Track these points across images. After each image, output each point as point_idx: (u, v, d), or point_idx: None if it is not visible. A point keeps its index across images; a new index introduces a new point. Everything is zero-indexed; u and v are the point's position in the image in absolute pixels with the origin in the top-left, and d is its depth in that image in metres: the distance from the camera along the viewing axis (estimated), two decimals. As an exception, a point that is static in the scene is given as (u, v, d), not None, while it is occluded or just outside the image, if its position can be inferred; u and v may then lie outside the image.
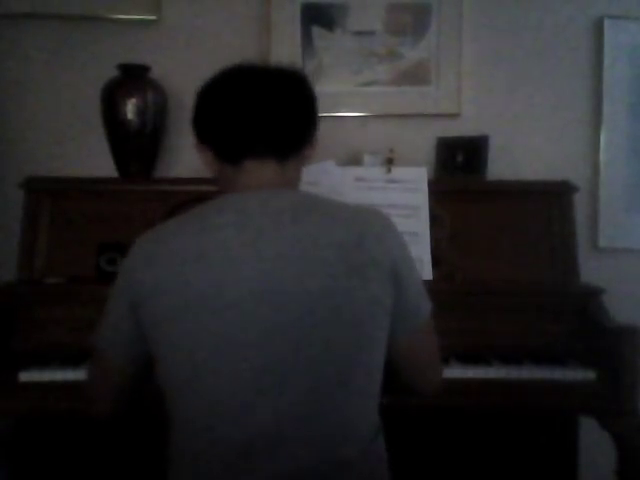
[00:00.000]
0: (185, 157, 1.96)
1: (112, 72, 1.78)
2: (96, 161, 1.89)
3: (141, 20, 1.93)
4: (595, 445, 1.69)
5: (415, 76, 1.98)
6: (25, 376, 1.44)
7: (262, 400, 0.93)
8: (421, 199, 1.65)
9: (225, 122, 1.07)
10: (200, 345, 0.94)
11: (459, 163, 1.88)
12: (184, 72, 1.95)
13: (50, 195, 1.71)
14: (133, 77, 1.79)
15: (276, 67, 1.11)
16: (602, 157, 1.98)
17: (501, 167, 1.93)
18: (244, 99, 1.06)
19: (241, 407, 0.93)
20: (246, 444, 0.93)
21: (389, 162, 1.71)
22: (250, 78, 1.08)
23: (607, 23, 1.96)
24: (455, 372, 1.48)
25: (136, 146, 1.80)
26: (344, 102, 1.95)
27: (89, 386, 1.15)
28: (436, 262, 1.63)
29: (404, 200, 1.66)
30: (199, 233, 0.98)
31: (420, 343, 1.11)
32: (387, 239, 1.02)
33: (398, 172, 1.68)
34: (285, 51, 1.90)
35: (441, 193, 1.68)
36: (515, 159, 1.98)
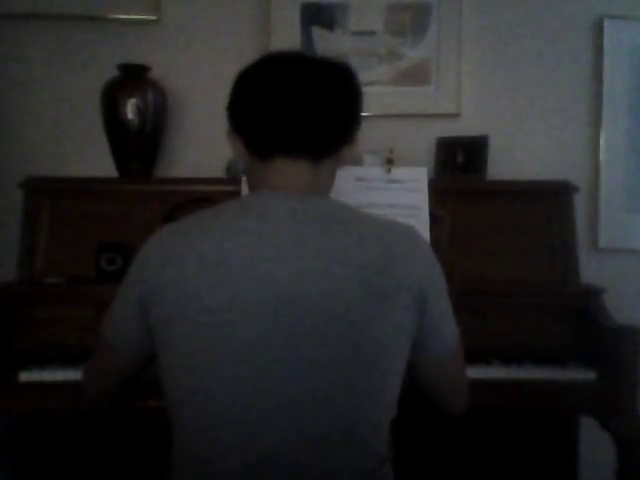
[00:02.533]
0: (185, 157, 1.97)
1: (112, 72, 1.78)
2: (96, 161, 1.89)
3: (141, 20, 1.93)
4: (595, 445, 1.69)
5: (415, 76, 1.98)
6: (25, 376, 1.44)
7: (262, 424, 0.90)
8: (421, 199, 1.65)
9: (258, 112, 1.00)
10: (205, 353, 0.91)
11: (459, 163, 1.88)
12: (184, 72, 1.95)
13: (50, 195, 1.71)
14: (133, 77, 1.79)
15: (320, 58, 1.04)
16: (602, 157, 1.98)
17: (501, 167, 1.93)
18: (280, 89, 0.99)
19: (242, 428, 0.90)
20: (244, 469, 0.91)
21: (389, 162, 1.70)
22: (291, 67, 1.01)
23: (607, 23, 1.96)
24: (455, 372, 1.48)
25: (136, 146, 1.80)
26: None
27: (88, 375, 1.11)
28: (436, 262, 1.62)
29: (404, 200, 1.65)
30: (221, 237, 0.93)
31: (442, 370, 1.08)
32: (417, 263, 0.97)
33: (398, 172, 1.67)
34: (285, 51, 1.90)
35: (441, 193, 1.68)
36: (515, 159, 1.98)
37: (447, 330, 1.05)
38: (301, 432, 0.91)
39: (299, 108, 0.99)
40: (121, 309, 1.02)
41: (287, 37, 1.93)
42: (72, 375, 1.42)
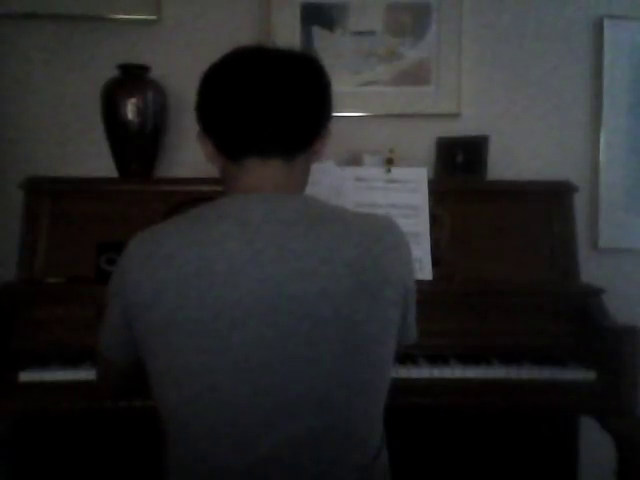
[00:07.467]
0: (185, 157, 1.96)
1: (112, 72, 1.78)
2: (96, 161, 1.89)
3: (141, 20, 1.93)
4: (595, 445, 1.69)
5: (415, 76, 1.98)
6: (25, 376, 1.44)
7: (261, 426, 0.90)
8: (421, 199, 1.65)
9: (224, 112, 0.97)
10: (197, 363, 0.90)
11: (459, 163, 1.88)
12: (184, 72, 1.93)
13: (50, 195, 1.71)
14: (133, 77, 1.79)
15: (285, 51, 1.01)
16: (602, 157, 1.98)
17: (501, 167, 1.93)
18: (246, 87, 0.96)
19: (240, 433, 0.90)
20: (244, 472, 0.91)
21: (389, 162, 1.71)
22: (255, 63, 0.98)
23: (607, 23, 1.96)
24: (455, 372, 1.48)
25: (136, 146, 1.80)
26: (344, 102, 1.94)
27: (97, 379, 1.17)
28: (436, 262, 1.63)
29: (404, 200, 1.66)
30: (200, 244, 0.91)
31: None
32: (400, 257, 0.97)
33: (398, 172, 1.68)
34: (285, 51, 1.91)
35: (441, 193, 1.68)
36: (515, 159, 1.98)
37: (414, 322, 1.07)
38: (302, 431, 0.91)
39: (267, 106, 0.96)
40: (109, 321, 1.01)
41: (287, 37, 1.93)
42: (72, 375, 1.43)
